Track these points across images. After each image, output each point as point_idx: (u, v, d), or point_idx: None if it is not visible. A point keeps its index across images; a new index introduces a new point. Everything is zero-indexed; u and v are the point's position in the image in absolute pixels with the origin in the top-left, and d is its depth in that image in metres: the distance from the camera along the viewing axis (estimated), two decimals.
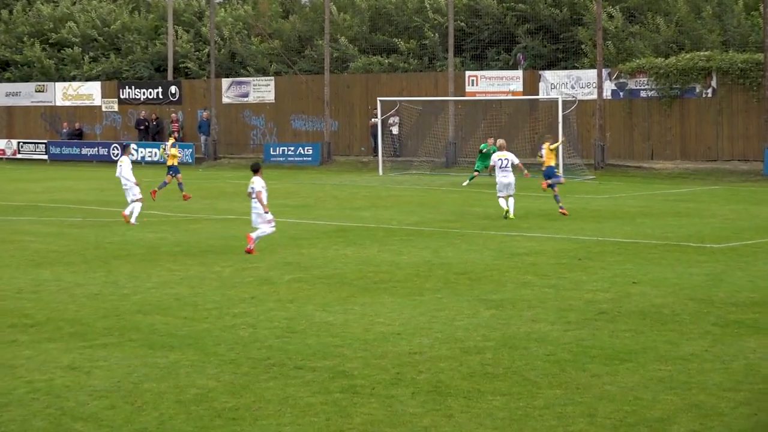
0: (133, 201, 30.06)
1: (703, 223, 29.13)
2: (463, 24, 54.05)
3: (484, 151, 41.49)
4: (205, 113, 59.27)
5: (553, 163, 31.85)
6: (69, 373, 13.83)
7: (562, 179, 33.03)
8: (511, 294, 18.93)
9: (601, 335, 15.62)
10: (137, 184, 30.28)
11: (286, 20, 61.33)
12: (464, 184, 42.31)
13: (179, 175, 38.00)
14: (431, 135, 53.01)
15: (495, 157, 31.47)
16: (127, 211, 30.11)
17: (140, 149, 58.89)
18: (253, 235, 24.12)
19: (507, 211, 30.30)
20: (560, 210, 31.09)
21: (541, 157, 32.09)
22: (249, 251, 23.92)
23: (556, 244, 25.16)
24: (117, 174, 30.85)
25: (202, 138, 59.15)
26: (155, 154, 58.11)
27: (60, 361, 14.45)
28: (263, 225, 24.14)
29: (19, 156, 63.72)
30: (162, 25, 64.39)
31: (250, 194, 24.14)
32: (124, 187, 30.50)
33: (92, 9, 66.94)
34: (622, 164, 48.68)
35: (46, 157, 62.88)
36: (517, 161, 31.05)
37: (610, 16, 50.79)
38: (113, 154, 59.71)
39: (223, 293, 19.37)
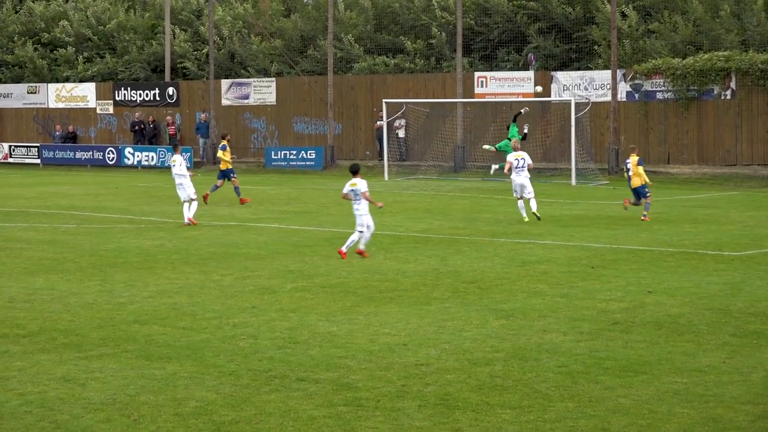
0: (186, 201, 30.98)
1: (721, 231, 28.94)
2: (472, 22, 53.77)
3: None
4: (203, 115, 59.01)
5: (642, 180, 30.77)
6: (63, 385, 13.75)
7: (649, 200, 31.11)
8: (521, 303, 18.84)
9: (615, 346, 15.52)
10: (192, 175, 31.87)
11: (287, 19, 61.09)
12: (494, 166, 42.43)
13: (234, 179, 37.68)
14: (439, 138, 52.75)
15: (511, 157, 31.70)
16: (191, 214, 30.90)
17: (136, 153, 58.60)
18: (361, 246, 24.30)
19: (532, 214, 30.52)
20: (641, 213, 30.82)
21: (628, 171, 31.01)
22: (360, 252, 24.20)
23: (568, 252, 25.08)
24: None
25: (201, 141, 58.90)
26: (152, 158, 57.87)
27: (53, 372, 14.38)
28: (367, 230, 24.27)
29: (10, 160, 63.20)
30: (159, 24, 64.15)
31: (346, 196, 24.47)
32: (178, 185, 31.39)
33: (86, 7, 66.47)
34: None
35: (38, 161, 62.39)
36: (530, 161, 31.46)
37: (624, 15, 50.31)
38: (108, 158, 59.61)
39: (223, 302, 19.29)
